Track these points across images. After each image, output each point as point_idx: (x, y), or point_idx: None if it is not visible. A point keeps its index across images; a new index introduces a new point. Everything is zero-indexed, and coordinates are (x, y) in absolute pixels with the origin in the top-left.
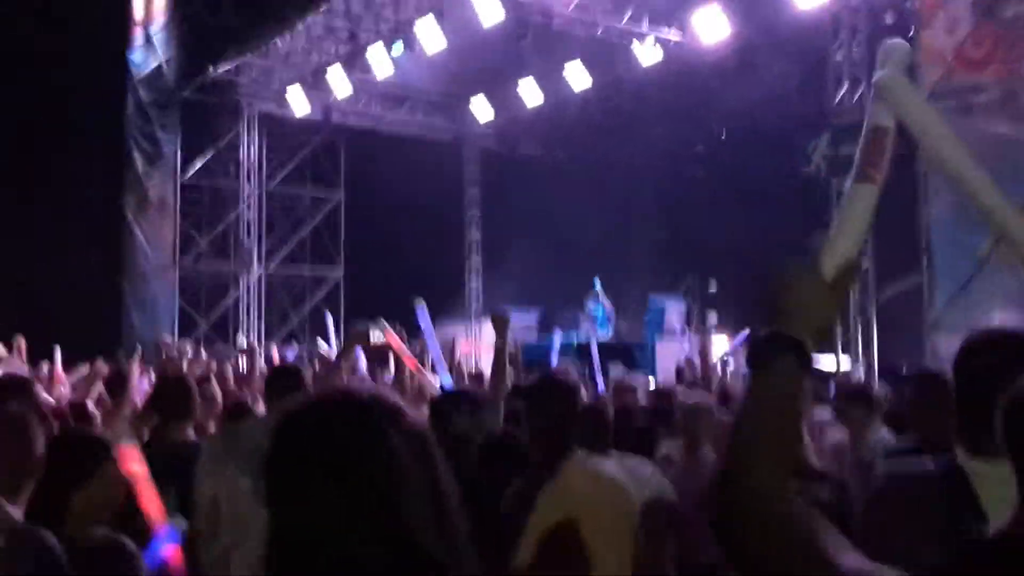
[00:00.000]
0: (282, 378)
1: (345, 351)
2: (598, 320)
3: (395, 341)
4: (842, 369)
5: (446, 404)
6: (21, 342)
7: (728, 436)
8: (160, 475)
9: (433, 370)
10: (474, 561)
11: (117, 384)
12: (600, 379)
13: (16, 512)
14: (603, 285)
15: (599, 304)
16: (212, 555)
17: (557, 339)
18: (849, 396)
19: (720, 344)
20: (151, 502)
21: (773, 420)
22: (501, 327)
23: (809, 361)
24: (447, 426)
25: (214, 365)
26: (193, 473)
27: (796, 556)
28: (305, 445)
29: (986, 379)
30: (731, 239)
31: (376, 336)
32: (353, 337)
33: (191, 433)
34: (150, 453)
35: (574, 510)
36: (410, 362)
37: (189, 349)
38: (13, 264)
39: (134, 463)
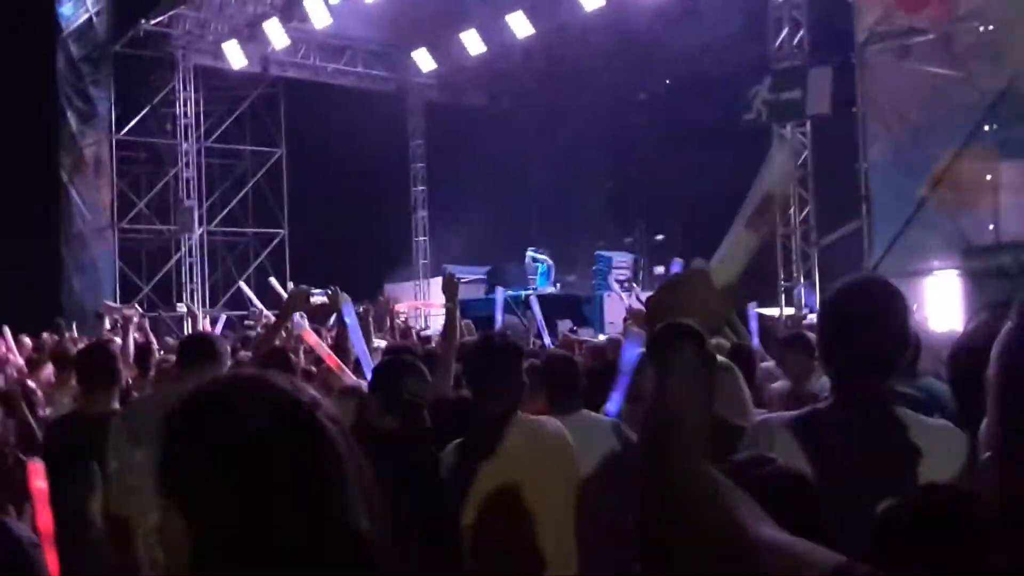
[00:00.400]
0: (195, 346)
1: (283, 314)
2: (539, 276)
3: (312, 339)
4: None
5: (394, 367)
6: None
7: (642, 426)
8: (83, 448)
9: (357, 368)
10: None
11: (61, 357)
12: (546, 335)
13: None
14: (536, 249)
15: (539, 262)
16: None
17: (500, 297)
18: (787, 342)
19: None
20: (43, 518)
21: (683, 404)
22: (452, 290)
23: (706, 348)
24: (398, 389)
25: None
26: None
27: (713, 531)
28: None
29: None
30: (676, 188)
31: (316, 298)
32: (292, 299)
33: (116, 404)
34: (74, 424)
35: (516, 473)
36: (331, 360)
37: (136, 313)
38: None
39: (39, 480)
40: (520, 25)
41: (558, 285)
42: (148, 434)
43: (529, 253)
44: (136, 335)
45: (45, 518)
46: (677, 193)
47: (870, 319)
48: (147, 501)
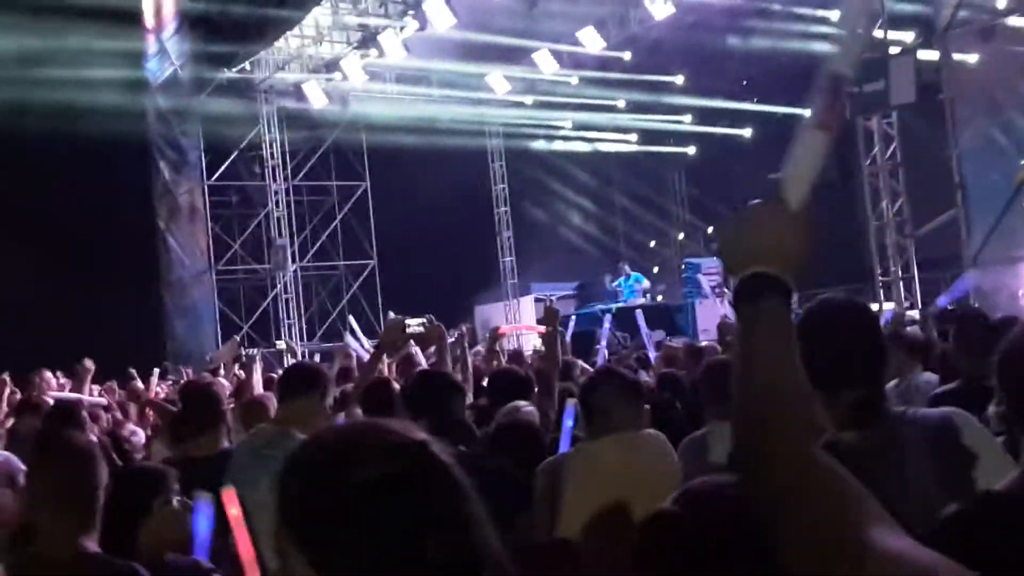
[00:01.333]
0: (298, 375)
1: (381, 346)
2: (626, 289)
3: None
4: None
5: (439, 388)
6: (89, 366)
7: (735, 397)
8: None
9: None
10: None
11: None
12: (651, 347)
13: (92, 545)
14: (623, 264)
15: (628, 281)
16: None
17: (571, 324)
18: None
19: None
20: (243, 545)
21: (773, 365)
22: (552, 318)
23: (792, 298)
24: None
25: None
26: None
27: (819, 526)
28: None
29: None
30: (762, 190)
31: (413, 327)
32: (388, 331)
33: (225, 443)
34: (189, 468)
35: (615, 486)
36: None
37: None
38: (55, 290)
39: (232, 507)
40: (591, 40)
41: (655, 297)
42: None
43: (625, 269)
44: (241, 372)
45: (245, 545)
46: (764, 194)
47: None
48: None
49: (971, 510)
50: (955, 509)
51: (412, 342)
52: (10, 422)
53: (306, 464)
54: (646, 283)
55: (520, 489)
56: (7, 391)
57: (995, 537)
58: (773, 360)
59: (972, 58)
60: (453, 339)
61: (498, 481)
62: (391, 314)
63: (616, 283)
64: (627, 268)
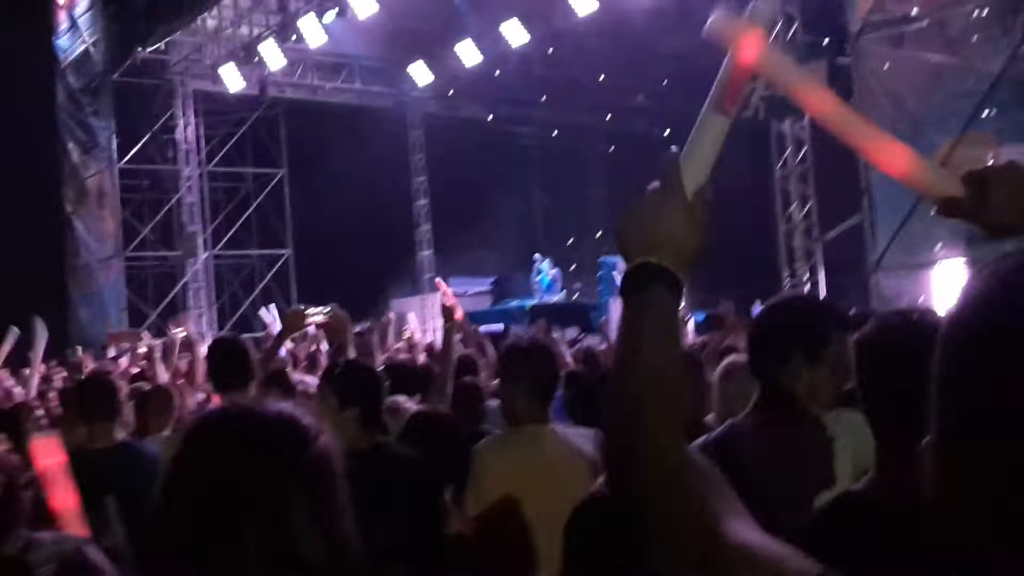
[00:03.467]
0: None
1: (281, 335)
2: (543, 287)
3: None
4: None
5: (371, 382)
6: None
7: (609, 385)
8: (97, 482)
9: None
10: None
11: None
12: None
13: None
14: (544, 257)
15: (543, 274)
16: None
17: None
18: None
19: None
20: (64, 500)
21: (650, 357)
22: (449, 311)
23: (679, 291)
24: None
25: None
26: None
27: (684, 527)
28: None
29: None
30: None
31: (314, 317)
32: (288, 320)
33: (119, 435)
34: (82, 460)
35: (521, 480)
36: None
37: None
38: None
39: (47, 457)
40: (515, 33)
41: (570, 293)
42: None
43: (539, 262)
44: (144, 363)
45: (62, 497)
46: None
47: None
48: None
49: (829, 509)
50: (818, 508)
51: (317, 330)
52: None
53: (186, 446)
54: (554, 270)
55: (432, 479)
56: None
57: (849, 536)
58: (653, 352)
59: (883, 64)
60: (364, 329)
61: (411, 471)
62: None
63: (538, 278)
64: (538, 256)
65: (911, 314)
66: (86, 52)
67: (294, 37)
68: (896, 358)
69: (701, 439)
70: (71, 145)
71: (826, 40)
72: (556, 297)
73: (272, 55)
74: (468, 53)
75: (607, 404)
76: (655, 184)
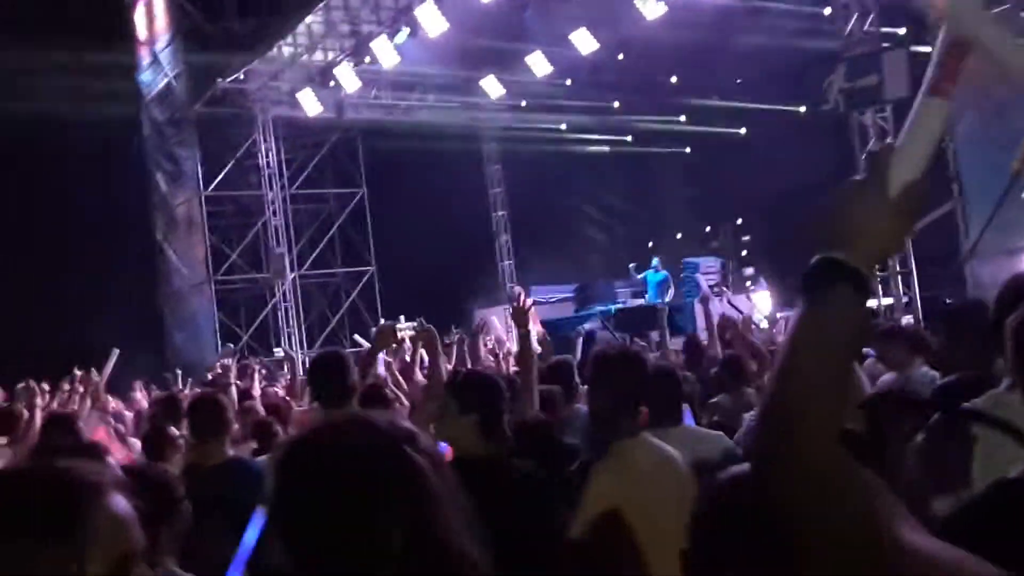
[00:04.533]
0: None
1: (373, 350)
2: (651, 288)
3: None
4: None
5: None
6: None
7: (773, 377)
8: (208, 498)
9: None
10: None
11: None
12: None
13: None
14: (637, 266)
15: (657, 272)
16: None
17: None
18: (886, 335)
19: (763, 300)
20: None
21: (825, 359)
22: (522, 316)
23: (867, 292)
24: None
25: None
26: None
27: (849, 527)
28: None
29: None
30: (760, 187)
31: (404, 332)
32: (379, 335)
33: (229, 450)
34: (194, 477)
35: (627, 493)
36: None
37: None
38: (54, 302)
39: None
40: (584, 42)
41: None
42: None
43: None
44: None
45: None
46: (761, 192)
47: None
48: None
49: (986, 500)
50: (969, 499)
51: (410, 344)
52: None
53: (287, 458)
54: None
55: (548, 491)
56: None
57: (1012, 526)
58: (821, 351)
59: None
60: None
61: (528, 483)
62: (383, 321)
63: (642, 275)
64: (658, 263)
65: None
66: (168, 85)
67: (368, 59)
68: None
69: None
70: (159, 176)
71: (903, 29)
72: (668, 297)
73: (347, 78)
74: (538, 64)
75: (766, 401)
76: (857, 178)
